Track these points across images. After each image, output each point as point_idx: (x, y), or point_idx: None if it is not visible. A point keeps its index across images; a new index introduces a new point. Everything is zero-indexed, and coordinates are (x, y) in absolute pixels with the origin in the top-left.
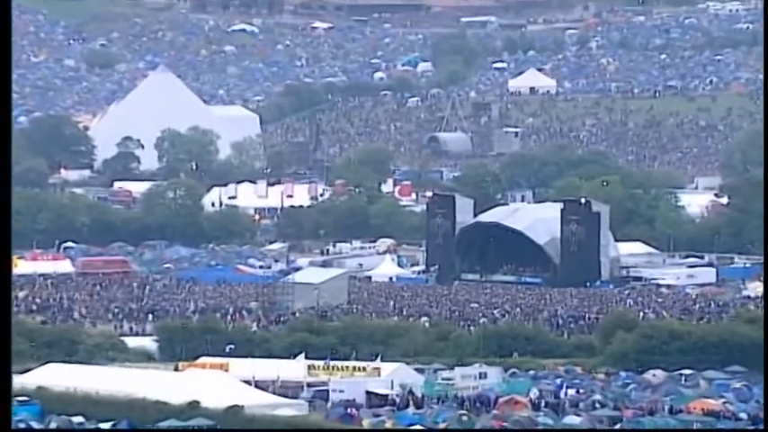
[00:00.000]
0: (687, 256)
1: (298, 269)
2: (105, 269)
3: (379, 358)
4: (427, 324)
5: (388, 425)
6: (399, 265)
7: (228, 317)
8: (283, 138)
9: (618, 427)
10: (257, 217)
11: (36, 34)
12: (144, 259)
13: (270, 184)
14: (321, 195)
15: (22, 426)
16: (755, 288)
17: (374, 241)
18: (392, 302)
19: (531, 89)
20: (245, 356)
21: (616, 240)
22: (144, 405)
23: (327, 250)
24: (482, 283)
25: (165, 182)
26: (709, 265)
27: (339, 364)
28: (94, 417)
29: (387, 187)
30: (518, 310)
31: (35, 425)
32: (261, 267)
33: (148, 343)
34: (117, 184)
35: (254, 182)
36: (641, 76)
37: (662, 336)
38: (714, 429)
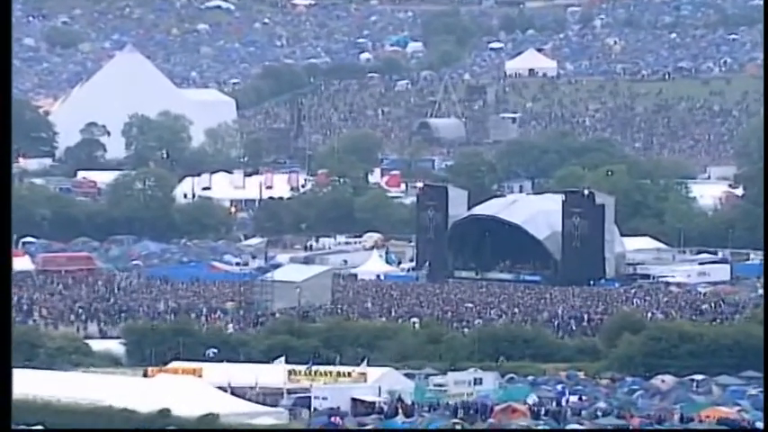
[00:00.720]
0: (699, 252)
1: (277, 266)
2: (68, 266)
3: (365, 363)
4: (417, 325)
5: None
6: (387, 261)
7: (202, 318)
8: (262, 124)
9: None
10: (233, 209)
11: None
12: (110, 255)
13: (247, 174)
14: (303, 186)
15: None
16: None
17: (360, 236)
18: (380, 302)
19: (530, 71)
20: (221, 361)
21: (622, 235)
22: (110, 413)
23: (310, 246)
24: (477, 281)
25: (133, 171)
26: (723, 261)
27: (322, 368)
28: (56, 426)
29: (374, 177)
30: (516, 310)
31: None
32: (237, 264)
33: (115, 346)
34: (81, 174)
35: (230, 171)
36: (649, 56)
37: (671, 338)
38: (714, 429)
